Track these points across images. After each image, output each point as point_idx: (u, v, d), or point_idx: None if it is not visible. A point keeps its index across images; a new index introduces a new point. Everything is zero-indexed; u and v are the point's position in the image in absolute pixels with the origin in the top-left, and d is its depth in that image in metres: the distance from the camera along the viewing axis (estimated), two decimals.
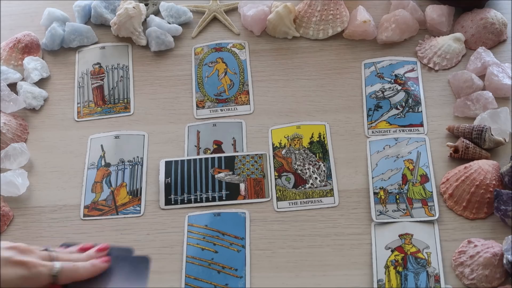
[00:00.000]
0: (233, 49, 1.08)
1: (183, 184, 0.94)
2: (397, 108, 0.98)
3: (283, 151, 0.96)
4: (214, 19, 1.12)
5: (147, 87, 1.05)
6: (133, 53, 1.09)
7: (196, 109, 1.02)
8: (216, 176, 0.94)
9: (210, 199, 0.92)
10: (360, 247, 0.86)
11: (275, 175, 0.94)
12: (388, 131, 0.96)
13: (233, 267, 0.86)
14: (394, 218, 0.88)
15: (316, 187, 0.92)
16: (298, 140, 0.97)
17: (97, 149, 0.98)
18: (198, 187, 0.93)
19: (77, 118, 1.03)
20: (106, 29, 1.12)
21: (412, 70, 1.02)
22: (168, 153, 0.97)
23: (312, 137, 0.97)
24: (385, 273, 0.83)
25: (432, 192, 0.90)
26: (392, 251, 0.85)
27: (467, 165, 0.90)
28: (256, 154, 0.96)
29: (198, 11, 1.13)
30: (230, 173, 0.94)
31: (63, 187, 0.95)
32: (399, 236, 0.86)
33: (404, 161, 0.93)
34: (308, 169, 0.94)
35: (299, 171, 0.94)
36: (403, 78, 1.01)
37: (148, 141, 0.99)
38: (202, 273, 0.85)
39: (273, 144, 0.97)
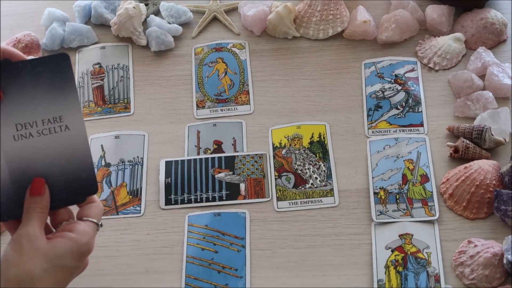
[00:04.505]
0: (233, 49, 1.08)
1: (183, 184, 0.94)
2: (397, 108, 0.98)
3: (283, 151, 0.96)
4: (214, 19, 1.12)
5: (147, 87, 1.05)
6: (133, 53, 1.09)
7: (196, 109, 1.02)
8: (216, 176, 0.94)
9: (210, 199, 0.92)
10: (360, 247, 0.86)
11: (275, 175, 0.94)
12: (388, 131, 0.96)
13: (233, 267, 0.86)
14: (394, 218, 0.88)
15: (316, 187, 0.92)
16: (298, 140, 0.97)
17: (97, 149, 0.98)
18: (198, 187, 0.93)
19: None
20: (106, 29, 1.12)
21: (412, 70, 1.02)
22: (168, 153, 0.97)
23: (312, 137, 0.97)
24: (385, 273, 0.83)
25: (432, 192, 0.90)
26: (392, 251, 0.85)
27: (467, 165, 0.90)
28: (256, 154, 0.96)
29: (198, 11, 1.13)
30: (230, 173, 0.94)
31: None
32: (399, 236, 0.86)
33: (404, 161, 0.93)
34: (308, 169, 0.94)
35: (299, 171, 0.94)
36: (403, 78, 1.01)
37: (148, 141, 0.99)
38: (202, 273, 0.85)
39: (273, 144, 0.97)
